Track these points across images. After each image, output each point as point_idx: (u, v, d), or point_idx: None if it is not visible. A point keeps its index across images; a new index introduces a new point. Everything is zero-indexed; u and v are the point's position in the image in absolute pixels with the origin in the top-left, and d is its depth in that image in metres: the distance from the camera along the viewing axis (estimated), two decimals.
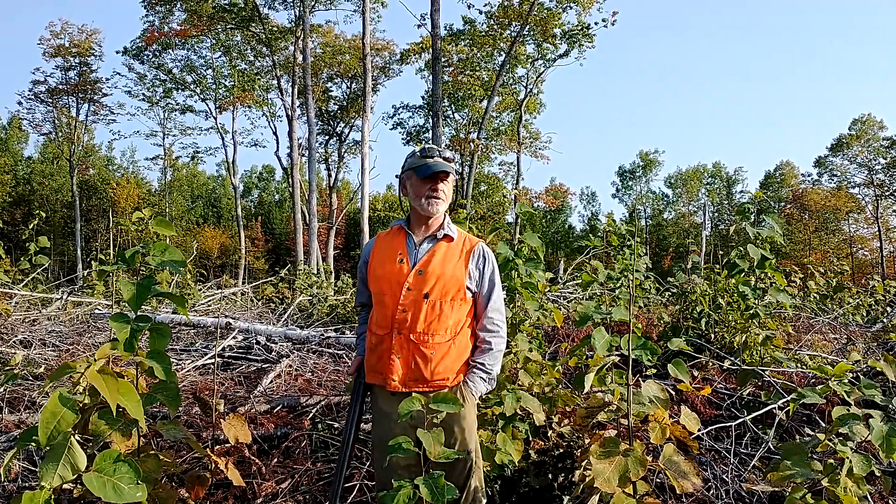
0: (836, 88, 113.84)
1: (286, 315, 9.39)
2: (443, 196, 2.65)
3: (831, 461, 2.46)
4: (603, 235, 6.33)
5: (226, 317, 7.93)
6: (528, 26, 23.60)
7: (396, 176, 2.83)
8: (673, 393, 4.31)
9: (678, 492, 2.41)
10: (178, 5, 27.24)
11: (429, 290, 2.57)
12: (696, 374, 4.90)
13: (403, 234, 2.72)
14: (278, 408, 4.51)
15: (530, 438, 3.40)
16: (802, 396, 2.66)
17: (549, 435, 3.48)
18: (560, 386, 3.61)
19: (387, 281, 2.62)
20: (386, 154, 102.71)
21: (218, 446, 3.49)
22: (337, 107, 33.77)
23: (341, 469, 2.66)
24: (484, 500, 2.71)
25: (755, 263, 4.56)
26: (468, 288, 2.66)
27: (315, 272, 16.24)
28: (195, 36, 29.04)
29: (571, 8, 23.78)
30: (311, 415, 4.35)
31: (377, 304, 2.67)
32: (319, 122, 32.36)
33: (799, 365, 4.99)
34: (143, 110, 37.29)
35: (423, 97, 33.52)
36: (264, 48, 27.64)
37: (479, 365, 2.67)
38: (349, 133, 35.26)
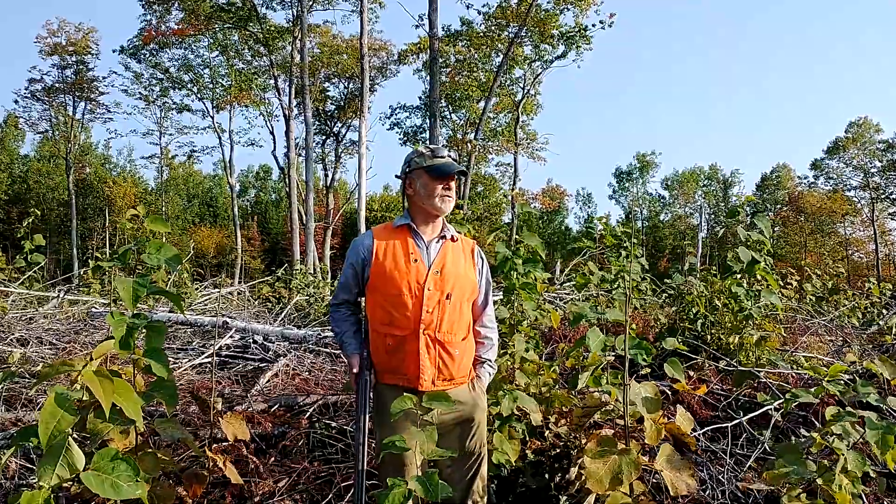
0: (832, 91, 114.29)
1: (283, 314, 9.38)
2: (454, 195, 2.69)
3: (826, 461, 2.48)
4: (596, 238, 6.35)
5: (223, 316, 7.93)
6: (525, 27, 23.62)
7: (397, 176, 2.82)
8: (669, 393, 4.32)
9: (672, 493, 2.42)
10: (176, 4, 27.17)
11: (450, 291, 2.61)
12: (692, 374, 4.92)
13: (408, 233, 2.69)
14: (276, 407, 4.51)
15: (527, 438, 3.41)
16: (796, 397, 2.68)
17: (545, 435, 3.49)
18: (557, 386, 3.63)
19: (405, 281, 2.57)
20: (383, 154, 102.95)
21: (216, 445, 3.49)
22: (334, 107, 33.69)
23: (362, 465, 2.49)
24: (484, 485, 2.79)
25: (746, 265, 4.59)
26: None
27: (312, 272, 16.24)
28: (192, 35, 29.00)
29: (569, 10, 23.83)
30: (309, 414, 4.35)
31: (393, 304, 2.58)
32: (316, 122, 32.29)
33: (795, 366, 5.01)
34: (140, 109, 37.17)
35: (420, 98, 33.56)
36: (262, 48, 27.61)
37: (487, 361, 2.82)
38: (346, 133, 35.21)
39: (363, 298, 2.78)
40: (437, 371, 2.58)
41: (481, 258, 2.85)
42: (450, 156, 2.71)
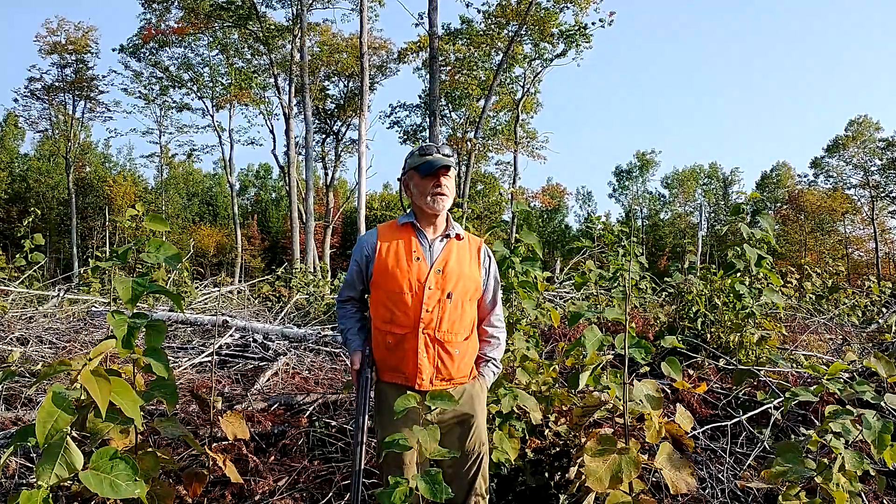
0: (832, 89, 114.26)
1: (283, 313, 9.39)
2: (447, 191, 2.64)
3: (825, 459, 2.48)
4: (595, 237, 6.36)
5: (223, 315, 7.93)
6: (525, 26, 23.62)
7: (398, 179, 2.82)
8: (669, 392, 4.33)
9: (672, 492, 2.42)
10: (176, 3, 27.22)
11: (452, 290, 2.60)
12: (692, 373, 4.92)
13: (412, 232, 2.69)
14: (275, 406, 4.52)
15: (527, 437, 3.41)
16: (796, 395, 2.68)
17: (545, 434, 3.49)
18: (557, 385, 3.63)
19: (406, 279, 2.58)
20: (383, 153, 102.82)
21: (215, 444, 3.49)
22: (334, 105, 33.69)
23: (359, 465, 2.50)
24: (487, 485, 2.76)
25: (751, 263, 4.58)
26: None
27: (312, 271, 16.24)
28: (192, 34, 29.02)
29: (569, 8, 23.83)
30: (309, 413, 4.35)
31: (394, 302, 2.59)
32: (316, 121, 32.28)
33: (794, 365, 5.01)
34: (140, 108, 37.26)
35: (420, 96, 33.56)
36: (262, 46, 27.61)
37: (492, 360, 2.80)
38: (346, 132, 35.21)
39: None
40: (435, 370, 2.58)
41: (489, 257, 2.83)
42: (441, 152, 2.67)
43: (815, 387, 2.77)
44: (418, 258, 2.62)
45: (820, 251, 44.00)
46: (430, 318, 2.56)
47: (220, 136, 35.54)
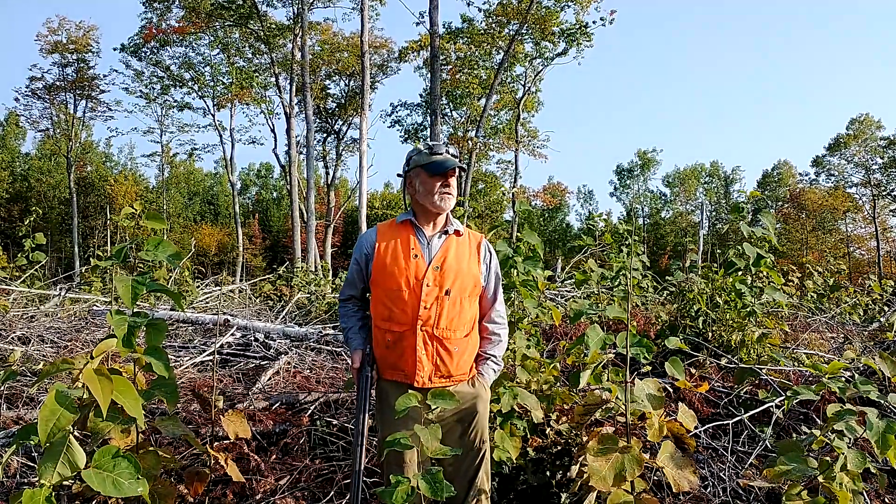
0: (834, 88, 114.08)
1: (284, 312, 9.39)
2: (453, 191, 2.66)
3: (827, 458, 2.47)
4: (596, 235, 6.35)
5: (224, 314, 7.93)
6: (526, 25, 23.61)
7: (399, 175, 2.82)
8: (671, 391, 4.32)
9: (674, 490, 2.42)
10: (177, 2, 27.23)
11: (449, 287, 2.59)
12: (693, 372, 4.91)
13: (410, 229, 2.69)
14: (277, 405, 4.52)
15: (528, 436, 3.41)
16: (797, 394, 2.67)
17: (546, 432, 3.49)
18: (558, 384, 3.63)
19: (404, 276, 2.59)
20: (384, 152, 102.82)
21: (217, 443, 3.49)
22: (335, 104, 33.69)
23: (359, 465, 2.48)
24: (489, 484, 2.76)
25: (751, 262, 4.58)
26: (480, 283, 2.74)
27: (313, 270, 16.24)
28: (193, 33, 28.98)
29: (570, 7, 23.82)
30: (310, 412, 4.35)
31: (392, 299, 2.60)
32: (317, 120, 32.27)
33: (796, 363, 5.01)
34: (141, 107, 37.33)
35: (421, 95, 33.57)
36: (262, 45, 27.58)
37: (492, 357, 2.76)
38: (347, 131, 35.23)
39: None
40: (434, 368, 2.58)
41: (489, 252, 2.82)
42: (448, 152, 2.68)
43: (816, 385, 2.77)
44: (416, 255, 2.62)
45: (821, 250, 43.93)
46: (428, 315, 2.56)
47: (221, 136, 35.58)
